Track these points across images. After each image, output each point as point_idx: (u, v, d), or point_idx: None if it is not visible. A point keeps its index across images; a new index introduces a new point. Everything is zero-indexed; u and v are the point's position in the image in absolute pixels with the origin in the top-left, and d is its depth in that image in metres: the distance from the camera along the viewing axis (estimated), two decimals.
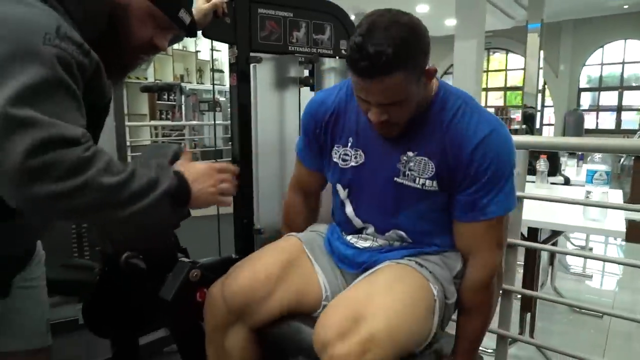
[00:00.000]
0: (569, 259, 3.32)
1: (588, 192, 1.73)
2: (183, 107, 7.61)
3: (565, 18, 9.47)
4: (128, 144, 5.27)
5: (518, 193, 1.42)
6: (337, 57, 1.64)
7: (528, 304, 1.83)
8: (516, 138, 1.13)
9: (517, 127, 7.57)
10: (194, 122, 6.10)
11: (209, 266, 1.12)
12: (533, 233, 1.80)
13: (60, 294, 1.19)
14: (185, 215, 0.78)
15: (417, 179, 0.98)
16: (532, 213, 1.83)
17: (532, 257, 1.81)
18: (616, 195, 2.42)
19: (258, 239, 1.49)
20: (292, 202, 1.27)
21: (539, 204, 1.98)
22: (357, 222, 1.07)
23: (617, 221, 1.76)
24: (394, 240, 1.05)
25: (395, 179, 1.00)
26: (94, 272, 1.09)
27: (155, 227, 0.95)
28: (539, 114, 7.46)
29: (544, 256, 2.36)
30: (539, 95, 7.40)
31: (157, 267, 1.05)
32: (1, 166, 0.60)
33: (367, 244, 1.08)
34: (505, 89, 11.49)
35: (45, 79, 0.63)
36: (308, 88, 1.58)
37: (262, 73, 1.50)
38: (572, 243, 3.63)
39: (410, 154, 0.98)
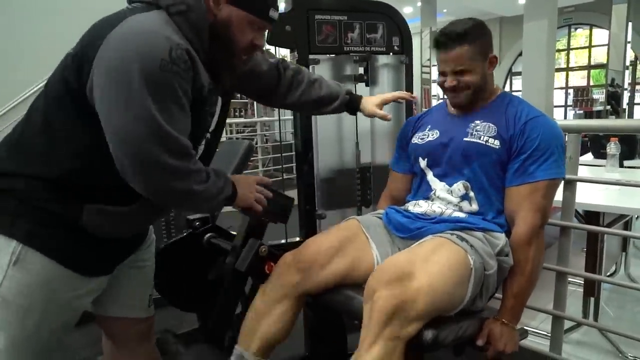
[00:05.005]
0: None
1: None
2: (255, 104, 8.01)
3: None
4: None
5: (569, 176, 1.45)
6: (391, 54, 1.74)
7: (591, 289, 1.82)
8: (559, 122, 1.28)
9: (600, 108, 7.03)
10: (265, 119, 6.41)
11: (275, 245, 1.32)
12: (595, 217, 1.78)
13: None
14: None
15: (482, 136, 1.23)
16: (593, 197, 1.81)
17: (593, 241, 1.79)
18: None
19: (319, 223, 1.66)
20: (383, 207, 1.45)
21: (605, 188, 1.95)
22: (435, 182, 1.28)
23: None
24: (457, 195, 1.23)
25: (464, 139, 1.24)
26: None
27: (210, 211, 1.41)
28: (626, 92, 6.89)
29: (615, 241, 2.28)
30: (626, 72, 6.83)
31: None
32: (147, 161, 0.87)
33: (422, 209, 1.26)
34: (589, 67, 10.66)
35: (168, 99, 0.86)
36: (363, 84, 1.70)
37: (320, 72, 1.63)
38: None
39: (477, 121, 1.26)
